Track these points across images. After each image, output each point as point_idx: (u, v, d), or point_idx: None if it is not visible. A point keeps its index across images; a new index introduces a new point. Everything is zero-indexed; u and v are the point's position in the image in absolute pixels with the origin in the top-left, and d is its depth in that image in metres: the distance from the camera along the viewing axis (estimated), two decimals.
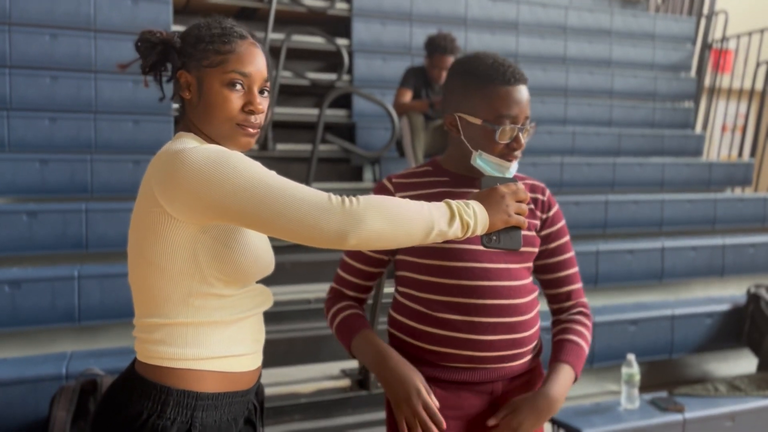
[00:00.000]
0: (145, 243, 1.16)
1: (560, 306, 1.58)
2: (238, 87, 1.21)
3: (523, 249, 1.46)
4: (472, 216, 1.20)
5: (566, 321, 1.55)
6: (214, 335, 1.19)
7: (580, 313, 1.56)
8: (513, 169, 1.44)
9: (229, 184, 1.08)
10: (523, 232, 1.36)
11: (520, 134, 1.40)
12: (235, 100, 1.20)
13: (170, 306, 1.16)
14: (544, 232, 1.53)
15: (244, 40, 1.23)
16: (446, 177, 1.50)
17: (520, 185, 1.29)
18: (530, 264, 1.52)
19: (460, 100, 1.43)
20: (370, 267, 1.56)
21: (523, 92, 1.41)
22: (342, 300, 1.59)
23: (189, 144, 1.17)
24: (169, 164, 1.12)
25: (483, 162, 1.41)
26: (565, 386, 1.44)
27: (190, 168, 1.10)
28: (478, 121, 1.40)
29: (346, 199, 1.11)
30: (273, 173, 1.13)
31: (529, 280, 1.52)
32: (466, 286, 1.43)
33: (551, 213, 1.54)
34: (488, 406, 1.47)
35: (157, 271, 1.15)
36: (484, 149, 1.41)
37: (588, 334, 1.54)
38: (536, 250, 1.51)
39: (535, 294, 1.52)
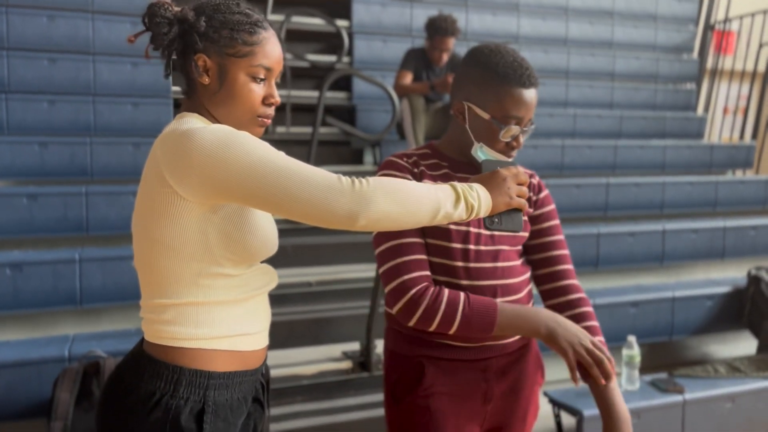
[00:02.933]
0: (154, 224, 1.15)
1: (553, 286, 1.55)
2: (261, 79, 1.22)
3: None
4: (476, 198, 1.22)
5: (584, 315, 1.52)
6: (223, 314, 1.20)
7: (583, 301, 1.55)
8: None
9: (239, 165, 1.08)
10: None
11: (521, 135, 1.44)
12: (258, 92, 1.22)
13: (180, 286, 1.16)
14: (534, 213, 1.56)
15: (267, 30, 1.23)
16: (446, 161, 1.52)
17: (521, 168, 1.32)
18: (520, 247, 1.55)
19: (473, 90, 1.44)
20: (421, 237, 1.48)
21: (533, 95, 1.43)
22: (431, 286, 1.42)
23: (196, 124, 1.16)
24: (179, 145, 1.11)
25: (483, 154, 1.44)
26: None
27: (200, 148, 1.09)
28: (486, 116, 1.42)
29: (356, 180, 1.12)
30: (282, 154, 1.13)
31: (520, 261, 1.54)
32: (461, 267, 1.45)
33: (541, 195, 1.57)
34: (482, 380, 1.50)
35: (167, 252, 1.15)
36: (486, 143, 1.44)
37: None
38: (526, 234, 1.54)
39: (527, 275, 1.55)
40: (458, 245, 1.45)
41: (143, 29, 1.22)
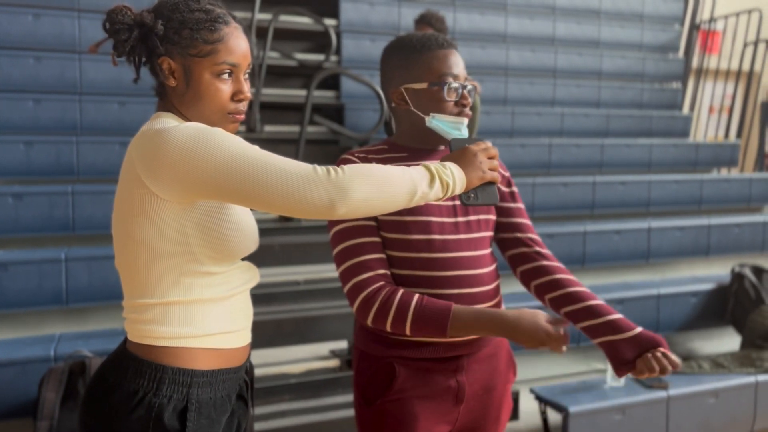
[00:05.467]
0: (132, 224, 1.15)
1: (527, 251, 1.54)
2: (227, 76, 1.21)
3: (484, 216, 1.50)
4: (450, 176, 1.22)
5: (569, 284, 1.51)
6: (205, 313, 1.20)
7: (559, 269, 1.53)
8: (465, 127, 1.47)
9: (213, 161, 1.08)
10: None
11: (466, 92, 1.46)
12: (226, 90, 1.21)
13: (161, 286, 1.17)
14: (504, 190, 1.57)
15: (228, 25, 1.21)
16: (404, 153, 1.51)
17: (488, 142, 1.33)
18: (490, 233, 1.53)
19: (402, 73, 1.47)
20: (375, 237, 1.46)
21: (458, 55, 1.49)
22: (386, 286, 1.40)
23: (169, 123, 1.17)
24: (153, 144, 1.11)
25: (438, 122, 1.45)
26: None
27: (174, 147, 1.09)
28: (424, 85, 1.45)
29: (331, 169, 1.12)
30: (256, 147, 1.13)
31: (489, 250, 1.52)
32: (427, 259, 1.43)
33: (506, 174, 1.59)
34: (453, 381, 1.47)
35: (147, 252, 1.15)
36: (436, 111, 1.45)
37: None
38: (494, 217, 1.54)
39: (495, 265, 1.53)
40: (420, 236, 1.43)
41: (105, 37, 1.20)
